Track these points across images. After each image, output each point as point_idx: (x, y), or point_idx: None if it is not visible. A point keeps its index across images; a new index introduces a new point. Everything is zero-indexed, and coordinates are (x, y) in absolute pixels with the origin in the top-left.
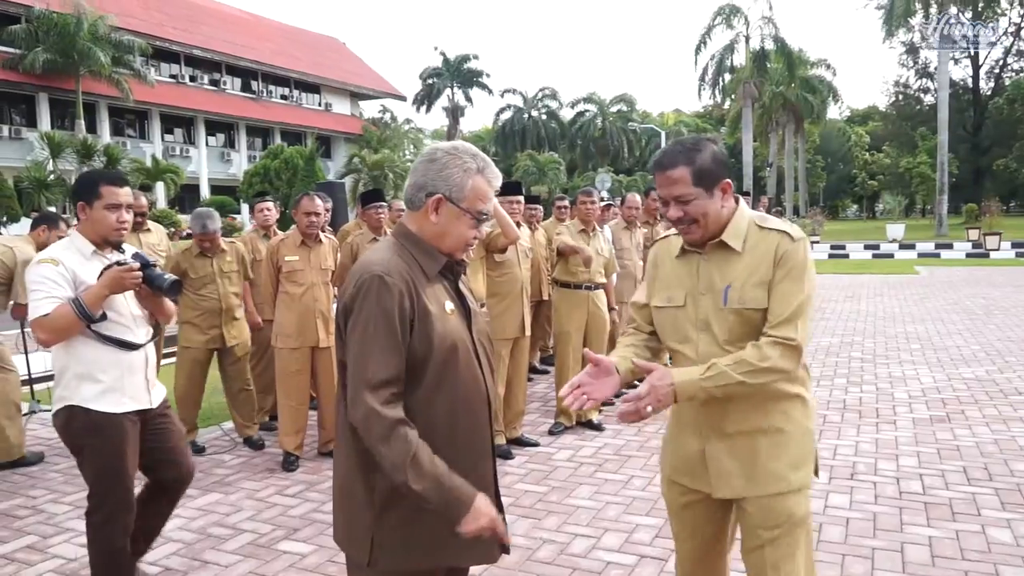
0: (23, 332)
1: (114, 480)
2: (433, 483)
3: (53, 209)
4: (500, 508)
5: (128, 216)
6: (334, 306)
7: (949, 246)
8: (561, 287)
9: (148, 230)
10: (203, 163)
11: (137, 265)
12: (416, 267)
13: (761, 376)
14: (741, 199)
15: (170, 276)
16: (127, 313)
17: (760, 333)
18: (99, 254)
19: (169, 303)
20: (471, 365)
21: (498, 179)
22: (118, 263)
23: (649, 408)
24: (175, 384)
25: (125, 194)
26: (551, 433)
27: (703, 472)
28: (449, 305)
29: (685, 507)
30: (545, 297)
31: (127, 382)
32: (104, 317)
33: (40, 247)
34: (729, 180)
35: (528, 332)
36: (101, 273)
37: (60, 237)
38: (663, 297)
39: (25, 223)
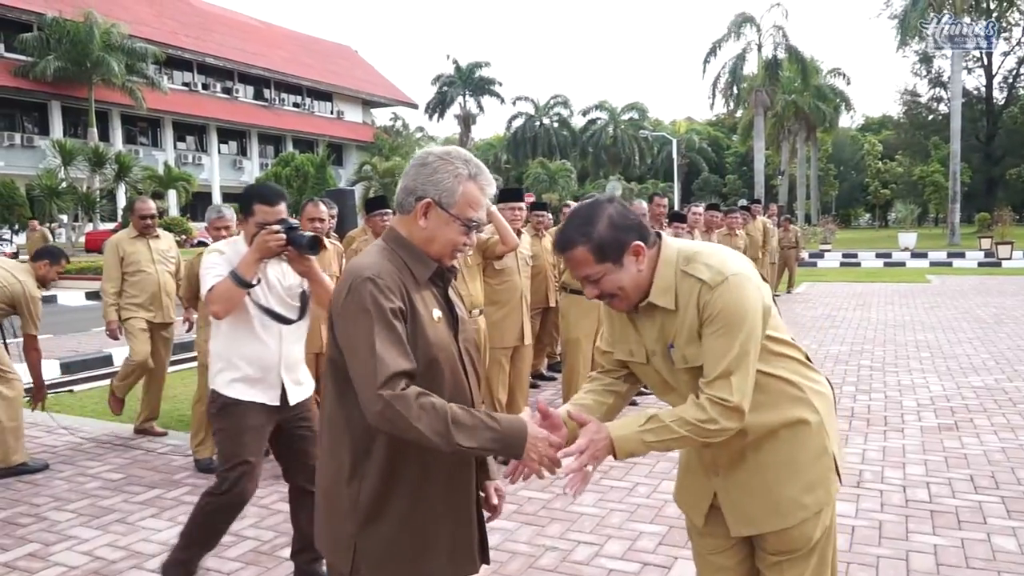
0: (4, 342)
1: (229, 462)
2: (484, 432)
3: (58, 221)
4: (480, 518)
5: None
6: None
7: (961, 255)
8: (570, 293)
9: (157, 236)
10: (215, 171)
11: (278, 228)
12: (406, 272)
13: (706, 435)
14: (664, 237)
15: (308, 233)
16: (280, 296)
17: None
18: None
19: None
20: (457, 373)
21: (492, 186)
22: (263, 227)
23: (589, 467)
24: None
25: (276, 212)
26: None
27: (718, 511)
28: (437, 313)
29: (705, 545)
30: (552, 304)
31: (259, 375)
32: (259, 282)
33: (40, 280)
34: (639, 242)
35: (528, 340)
36: (250, 241)
37: (59, 273)
38: (625, 351)
39: None
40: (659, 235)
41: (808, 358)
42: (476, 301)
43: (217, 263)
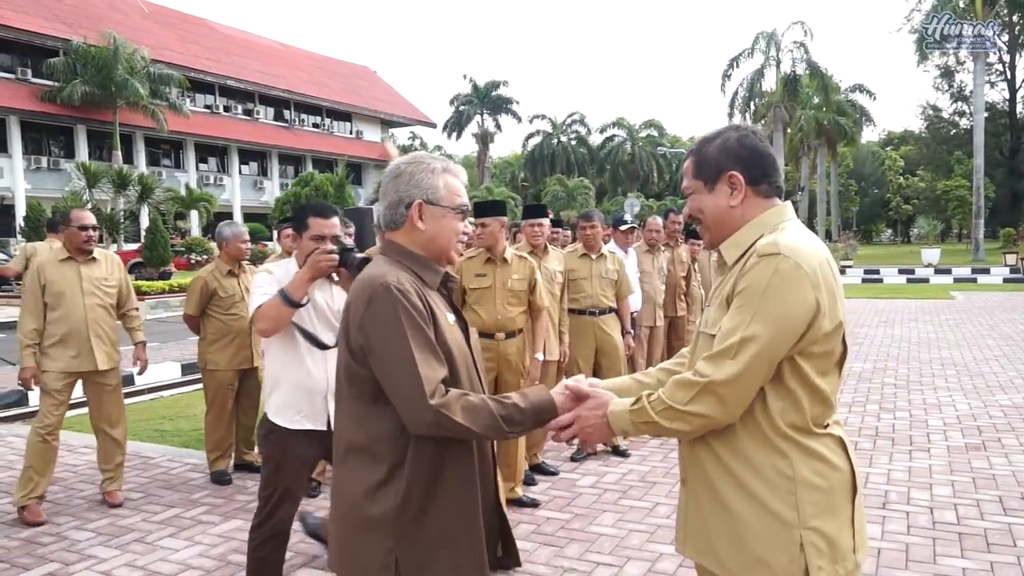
0: None
1: (269, 489)
2: (521, 415)
3: None
4: (503, 519)
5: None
6: None
7: (986, 271)
8: (569, 312)
9: (93, 259)
10: (236, 191)
11: (332, 248)
12: (417, 279)
13: (679, 420)
14: (784, 204)
15: (360, 255)
16: (328, 319)
17: None
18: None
19: None
20: (472, 376)
21: (463, 172)
22: (319, 239)
23: (576, 441)
24: (207, 411)
25: (331, 225)
26: (573, 459)
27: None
28: (451, 317)
29: None
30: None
31: (306, 401)
32: (307, 302)
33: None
34: (736, 172)
35: (553, 356)
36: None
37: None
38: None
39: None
40: (783, 197)
41: (834, 430)
42: (510, 325)
43: (266, 282)
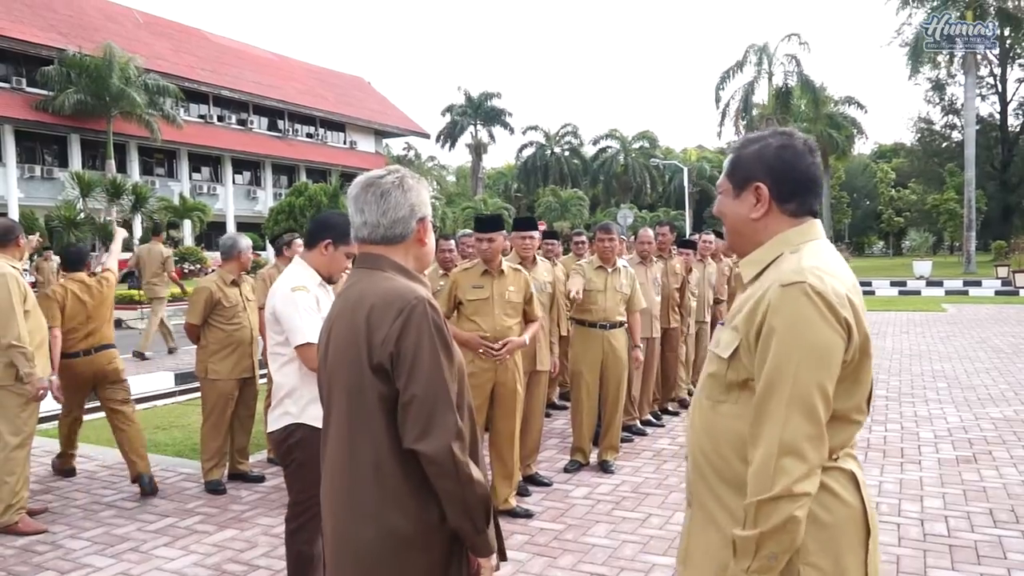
0: None
1: (310, 489)
2: (486, 528)
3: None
4: (498, 533)
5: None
6: None
7: (977, 283)
8: (577, 324)
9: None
10: (229, 201)
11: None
12: None
13: (776, 512)
14: (812, 222)
15: None
16: None
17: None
18: (323, 286)
19: None
20: (469, 398)
21: None
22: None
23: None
24: (203, 419)
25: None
26: (566, 471)
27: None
28: None
29: None
30: (563, 333)
31: None
32: None
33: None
34: (763, 185)
35: (544, 367)
36: None
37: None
38: None
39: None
40: (814, 216)
41: (844, 463)
42: (508, 335)
43: (312, 308)
